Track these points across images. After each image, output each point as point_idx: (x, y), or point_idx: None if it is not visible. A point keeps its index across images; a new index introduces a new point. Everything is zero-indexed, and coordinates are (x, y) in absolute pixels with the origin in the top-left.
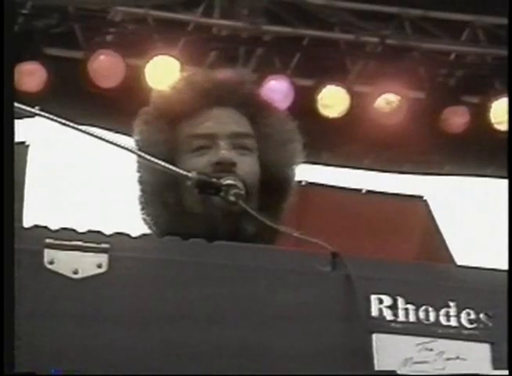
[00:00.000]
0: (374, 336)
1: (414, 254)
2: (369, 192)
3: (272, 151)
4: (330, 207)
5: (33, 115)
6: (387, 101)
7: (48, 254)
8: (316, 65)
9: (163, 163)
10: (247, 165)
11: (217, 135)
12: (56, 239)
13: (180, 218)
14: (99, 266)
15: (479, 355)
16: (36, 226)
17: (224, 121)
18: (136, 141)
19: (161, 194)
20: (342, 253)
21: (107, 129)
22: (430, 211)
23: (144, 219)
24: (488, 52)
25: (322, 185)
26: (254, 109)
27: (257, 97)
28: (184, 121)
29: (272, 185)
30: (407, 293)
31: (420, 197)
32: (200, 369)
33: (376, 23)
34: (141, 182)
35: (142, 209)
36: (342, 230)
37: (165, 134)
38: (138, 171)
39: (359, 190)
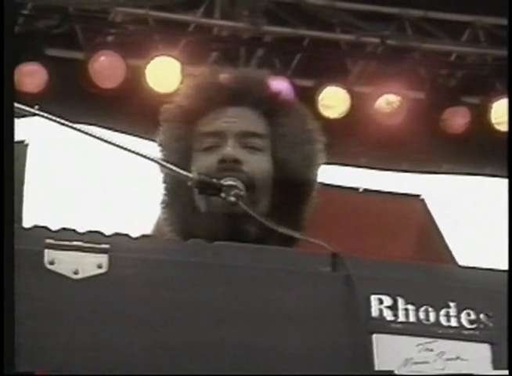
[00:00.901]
0: (374, 336)
1: (410, 253)
2: (366, 190)
3: (286, 151)
4: (328, 205)
5: (32, 115)
6: (388, 101)
7: (48, 254)
8: (317, 66)
9: (164, 163)
10: (256, 163)
11: (225, 133)
12: (57, 239)
13: (189, 218)
14: (100, 267)
15: (479, 355)
16: (36, 227)
17: (235, 120)
18: (159, 140)
19: (177, 193)
20: (341, 252)
21: (108, 129)
22: (427, 210)
23: (165, 219)
24: (489, 52)
25: (320, 183)
26: (272, 108)
27: (276, 96)
28: (200, 119)
29: (287, 185)
30: (407, 293)
31: (417, 196)
32: (200, 369)
33: (376, 23)
34: (164, 181)
35: (164, 208)
36: (339, 229)
37: (182, 132)
38: (162, 171)
39: (357, 189)
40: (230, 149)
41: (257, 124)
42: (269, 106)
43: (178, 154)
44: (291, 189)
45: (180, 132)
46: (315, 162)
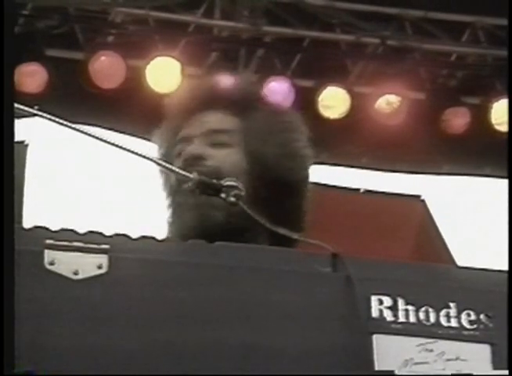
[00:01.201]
0: (374, 337)
1: (408, 253)
2: (367, 191)
3: (256, 142)
4: (329, 206)
5: (32, 115)
6: (388, 102)
7: (48, 255)
8: (317, 66)
9: (164, 163)
10: (221, 157)
11: (193, 136)
12: (57, 240)
13: (175, 213)
14: (100, 267)
15: (479, 355)
16: (36, 227)
17: (203, 123)
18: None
19: (169, 193)
20: (341, 253)
21: (108, 129)
22: (427, 211)
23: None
24: (489, 52)
25: (320, 184)
26: (245, 107)
27: (250, 96)
28: (181, 127)
29: (265, 179)
30: (407, 294)
31: (418, 197)
32: (200, 369)
33: (376, 23)
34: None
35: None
36: (340, 229)
37: (167, 141)
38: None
39: (358, 190)
40: (194, 147)
41: (225, 121)
42: (243, 106)
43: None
44: (271, 183)
45: (165, 142)
46: (293, 152)
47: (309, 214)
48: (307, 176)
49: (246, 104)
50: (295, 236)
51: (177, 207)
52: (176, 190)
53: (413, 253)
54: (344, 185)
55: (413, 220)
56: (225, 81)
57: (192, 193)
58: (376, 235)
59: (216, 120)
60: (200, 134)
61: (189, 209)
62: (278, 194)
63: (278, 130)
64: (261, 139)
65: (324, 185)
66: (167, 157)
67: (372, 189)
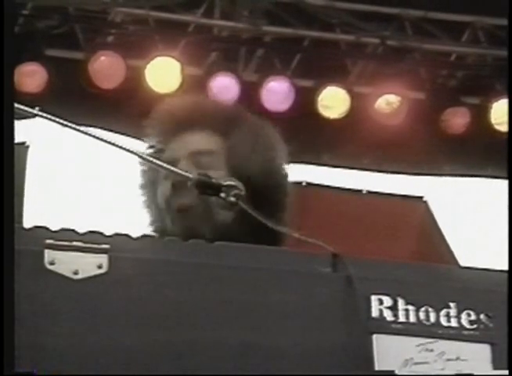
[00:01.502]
0: (374, 337)
1: (408, 254)
2: (369, 192)
3: (239, 163)
4: (331, 207)
5: (33, 116)
6: (388, 102)
7: (48, 254)
8: (317, 66)
9: (163, 164)
10: None
11: (177, 158)
12: (57, 239)
13: (159, 216)
14: (100, 267)
15: (479, 355)
16: (36, 227)
17: (187, 144)
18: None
19: (144, 194)
20: (342, 253)
21: (108, 130)
22: (430, 212)
23: (148, 219)
24: (489, 53)
25: (322, 186)
26: (227, 125)
27: (231, 114)
28: (165, 148)
29: (247, 192)
30: (407, 294)
31: (420, 198)
32: (200, 369)
33: (376, 23)
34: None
35: (144, 209)
36: (342, 231)
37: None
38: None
39: (360, 191)
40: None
41: (209, 142)
42: (224, 124)
43: (150, 181)
44: (256, 201)
45: (152, 168)
46: (275, 169)
47: (311, 215)
48: (288, 190)
49: (227, 122)
50: (296, 235)
51: (161, 232)
52: (163, 216)
53: (415, 254)
54: (345, 186)
55: (415, 221)
56: (206, 99)
57: (179, 220)
58: (378, 236)
59: (199, 140)
60: (185, 156)
61: (175, 232)
62: (262, 211)
63: (259, 149)
64: (244, 159)
65: (326, 186)
66: (154, 179)
67: (373, 190)
